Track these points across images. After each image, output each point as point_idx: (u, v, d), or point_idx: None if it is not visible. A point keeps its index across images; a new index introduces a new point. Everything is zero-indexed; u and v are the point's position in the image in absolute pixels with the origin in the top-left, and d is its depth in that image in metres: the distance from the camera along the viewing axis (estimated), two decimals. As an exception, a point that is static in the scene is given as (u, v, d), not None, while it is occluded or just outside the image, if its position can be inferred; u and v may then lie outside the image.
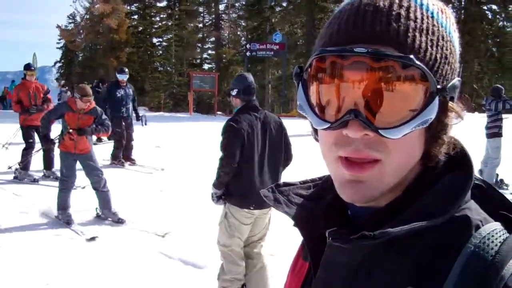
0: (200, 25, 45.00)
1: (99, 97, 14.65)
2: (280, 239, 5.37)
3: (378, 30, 0.71)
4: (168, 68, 42.85)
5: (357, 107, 0.70)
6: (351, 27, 0.73)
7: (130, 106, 11.13)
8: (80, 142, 6.81)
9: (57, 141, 7.13)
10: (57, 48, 49.66)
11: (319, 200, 0.91)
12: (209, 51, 45.71)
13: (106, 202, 6.95)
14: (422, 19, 0.73)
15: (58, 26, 40.06)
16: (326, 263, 0.85)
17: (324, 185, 0.94)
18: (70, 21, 45.67)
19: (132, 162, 11.19)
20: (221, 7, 43.90)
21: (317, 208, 0.89)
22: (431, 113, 0.71)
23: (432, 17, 0.75)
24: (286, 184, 0.98)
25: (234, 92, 4.40)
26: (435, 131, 0.76)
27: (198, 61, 45.05)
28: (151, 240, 6.23)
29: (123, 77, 11.00)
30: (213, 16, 43.51)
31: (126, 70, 11.36)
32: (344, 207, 0.88)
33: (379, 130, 0.70)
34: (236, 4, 44.10)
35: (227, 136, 4.20)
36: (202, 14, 44.98)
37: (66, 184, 6.84)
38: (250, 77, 4.54)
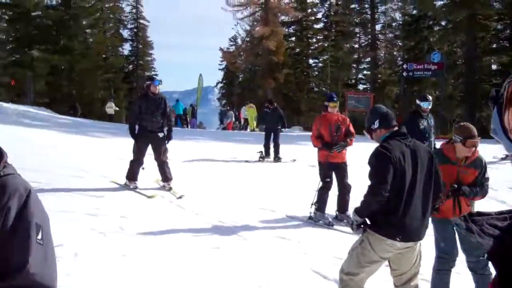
0: (356, 45, 45.07)
1: (267, 118, 15.35)
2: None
3: None
4: (324, 88, 43.48)
5: None
6: None
7: (433, 138, 9.01)
8: (464, 202, 4.75)
9: None
10: (219, 69, 53.01)
11: None
12: (364, 72, 45.63)
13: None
14: None
15: (220, 49, 42.89)
16: None
17: None
18: (232, 43, 48.57)
19: None
20: (378, 27, 43.66)
21: None
22: None
23: None
24: (480, 214, 0.93)
25: (376, 125, 4.31)
26: None
27: (353, 81, 45.14)
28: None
29: (426, 106, 8.89)
30: (369, 36, 43.35)
31: (430, 98, 9.25)
32: None
33: None
34: (393, 24, 43.63)
35: (378, 163, 4.06)
36: (358, 35, 45.10)
37: (445, 264, 4.78)
38: (382, 106, 4.55)
